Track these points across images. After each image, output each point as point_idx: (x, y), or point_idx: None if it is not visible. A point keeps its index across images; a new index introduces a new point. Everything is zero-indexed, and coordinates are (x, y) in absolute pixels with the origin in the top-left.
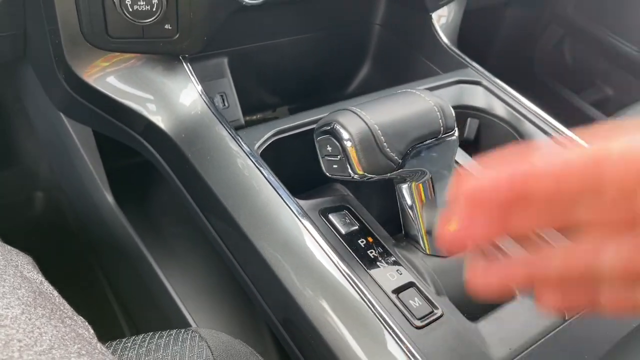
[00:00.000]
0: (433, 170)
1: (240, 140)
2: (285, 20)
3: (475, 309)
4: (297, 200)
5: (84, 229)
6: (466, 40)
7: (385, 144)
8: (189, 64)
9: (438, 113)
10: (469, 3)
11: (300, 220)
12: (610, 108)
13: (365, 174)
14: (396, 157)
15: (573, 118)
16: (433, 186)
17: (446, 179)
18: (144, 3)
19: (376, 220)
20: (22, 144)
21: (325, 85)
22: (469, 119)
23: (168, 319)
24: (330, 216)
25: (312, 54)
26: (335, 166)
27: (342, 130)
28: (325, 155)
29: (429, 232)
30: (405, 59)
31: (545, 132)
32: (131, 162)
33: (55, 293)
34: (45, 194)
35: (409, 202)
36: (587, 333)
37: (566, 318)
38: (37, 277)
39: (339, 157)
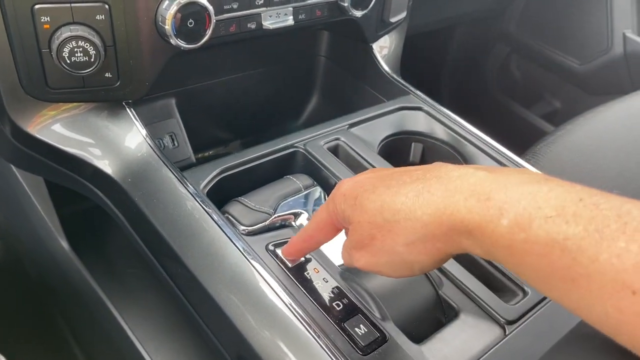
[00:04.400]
0: (306, 209)
1: (186, 181)
2: (229, 59)
3: (420, 330)
4: (244, 237)
5: (42, 276)
6: (419, 61)
7: (253, 204)
8: (132, 109)
9: (297, 182)
10: (417, 27)
11: (247, 258)
12: (559, 120)
13: (249, 225)
14: (267, 209)
15: (525, 132)
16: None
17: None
18: (82, 54)
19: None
20: None
21: (276, 118)
22: (413, 144)
23: None
24: (278, 250)
25: (260, 88)
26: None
27: (229, 215)
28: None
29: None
30: (352, 88)
31: (485, 152)
32: (85, 206)
33: None
34: (2, 242)
35: None
36: (525, 345)
37: (506, 333)
38: None
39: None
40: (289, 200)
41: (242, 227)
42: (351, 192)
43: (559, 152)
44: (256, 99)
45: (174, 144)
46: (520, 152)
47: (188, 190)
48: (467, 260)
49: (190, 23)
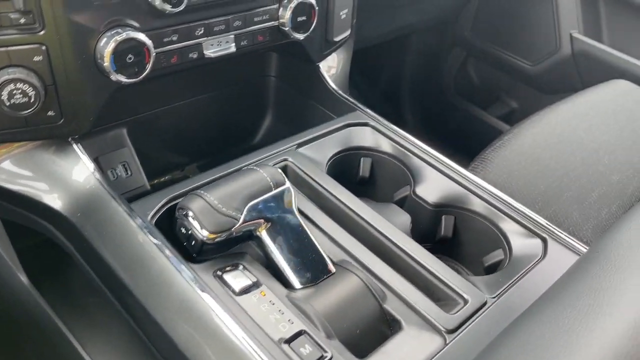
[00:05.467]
0: (274, 217)
1: (134, 213)
2: (179, 85)
3: (366, 345)
4: (191, 265)
5: (5, 312)
6: (378, 70)
7: (220, 205)
8: (79, 145)
9: (267, 176)
10: (371, 39)
11: (192, 286)
12: (516, 120)
13: (213, 234)
14: (234, 213)
15: (483, 133)
16: (278, 229)
17: (290, 220)
18: (21, 96)
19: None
20: None
21: (231, 139)
22: (361, 159)
23: None
24: (225, 276)
25: (213, 111)
26: (193, 243)
27: (186, 210)
28: (185, 239)
29: (291, 268)
30: (303, 106)
31: (429, 164)
32: (42, 238)
33: None
34: None
35: (266, 248)
36: (464, 352)
37: (447, 342)
38: None
39: (190, 231)
40: (258, 201)
41: (205, 234)
42: None
43: (506, 157)
44: (210, 122)
45: (127, 173)
46: (478, 153)
47: (135, 222)
48: (409, 272)
49: (130, 58)
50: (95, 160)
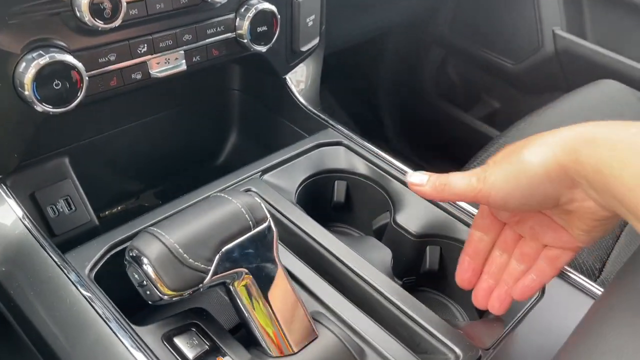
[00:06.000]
0: (252, 267)
1: (68, 266)
2: (128, 105)
3: None
4: (135, 328)
5: None
6: (354, 72)
7: (186, 255)
8: (2, 185)
9: (244, 210)
10: (344, 41)
11: (134, 356)
12: (498, 121)
13: (175, 292)
14: (203, 266)
15: (466, 136)
16: (258, 283)
17: (271, 271)
18: None
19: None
20: None
21: (192, 160)
22: (336, 182)
23: None
24: (176, 340)
25: (170, 131)
26: (148, 293)
27: (140, 256)
28: (138, 285)
29: (270, 334)
30: (269, 123)
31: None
32: None
33: None
34: None
35: (240, 306)
36: None
37: None
38: None
39: (145, 282)
40: (233, 246)
41: (164, 293)
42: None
43: None
44: (167, 144)
45: (71, 208)
46: (463, 157)
47: (69, 278)
48: (391, 322)
49: (57, 85)
50: (31, 196)
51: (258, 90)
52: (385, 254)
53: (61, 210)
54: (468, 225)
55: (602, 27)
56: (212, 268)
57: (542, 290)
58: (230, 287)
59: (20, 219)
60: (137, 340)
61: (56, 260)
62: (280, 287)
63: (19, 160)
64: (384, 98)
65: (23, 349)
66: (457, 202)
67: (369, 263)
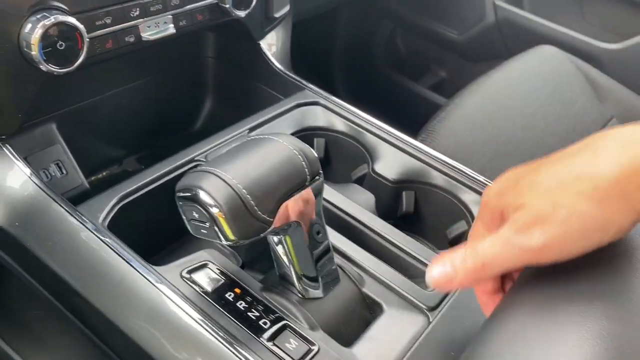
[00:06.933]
0: (304, 219)
1: (83, 216)
2: (112, 72)
3: (350, 332)
4: (155, 268)
5: None
6: (307, 46)
7: (256, 207)
8: (8, 146)
9: (301, 159)
10: (300, 13)
11: (160, 290)
12: (446, 89)
13: (239, 239)
14: (268, 218)
15: (416, 104)
16: (303, 235)
17: (317, 223)
18: None
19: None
20: None
21: (170, 127)
22: (315, 139)
23: None
24: (193, 276)
25: (149, 98)
26: (203, 231)
27: (207, 198)
28: (191, 220)
29: (304, 277)
30: (245, 88)
31: (384, 140)
32: None
33: None
34: None
35: (281, 254)
36: (449, 328)
37: (430, 320)
38: None
39: (207, 223)
40: (293, 200)
41: (229, 239)
42: (506, 185)
43: (451, 127)
44: (146, 110)
45: (62, 172)
46: (414, 125)
47: (86, 226)
48: (383, 253)
49: (60, 45)
50: (25, 160)
51: (231, 57)
52: (369, 197)
53: (53, 174)
54: (438, 170)
55: None
56: (275, 220)
57: None
58: (281, 237)
59: (29, 177)
60: (160, 277)
61: (71, 212)
62: (324, 242)
63: (20, 122)
64: (337, 69)
65: (36, 300)
66: (427, 150)
67: (356, 204)
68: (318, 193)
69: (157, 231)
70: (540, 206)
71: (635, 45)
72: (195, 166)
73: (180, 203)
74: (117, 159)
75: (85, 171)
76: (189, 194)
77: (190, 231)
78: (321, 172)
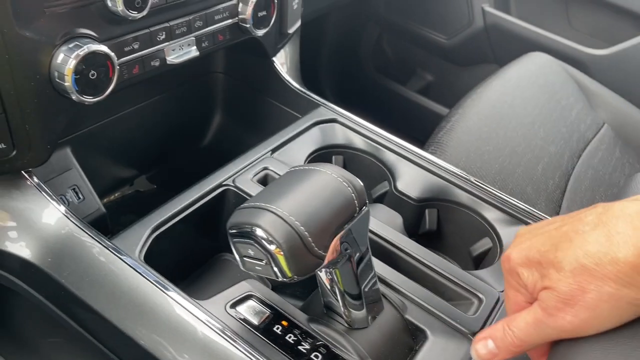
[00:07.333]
0: (353, 251)
1: (119, 251)
2: (126, 93)
3: (397, 359)
4: (200, 303)
5: None
6: (300, 51)
7: (313, 244)
8: (35, 178)
9: (350, 190)
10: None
11: (210, 326)
12: (433, 93)
13: (296, 276)
14: (323, 253)
15: (404, 107)
16: (352, 266)
17: (365, 254)
18: None
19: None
20: None
21: (178, 143)
22: (333, 157)
23: None
24: (239, 309)
25: (158, 117)
26: (258, 268)
27: (266, 235)
28: (245, 257)
29: (350, 307)
30: (257, 104)
31: (403, 157)
32: None
33: None
34: None
35: (329, 286)
36: None
37: None
38: None
39: (264, 261)
40: (345, 232)
41: (286, 277)
42: (529, 260)
43: (458, 138)
44: (156, 128)
45: (79, 198)
46: (404, 129)
47: (124, 262)
48: (419, 276)
49: (93, 75)
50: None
51: (243, 73)
52: (396, 217)
53: (71, 200)
54: (461, 188)
55: (525, 3)
56: (328, 255)
57: None
58: (328, 269)
59: (65, 215)
60: (207, 312)
61: (106, 245)
62: (369, 269)
63: (50, 153)
64: (325, 75)
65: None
66: (448, 167)
67: (388, 226)
68: (366, 223)
69: (187, 256)
70: (568, 290)
71: (621, 51)
72: (225, 191)
73: (235, 240)
74: (128, 179)
75: (98, 194)
76: (245, 231)
77: (242, 267)
78: (367, 201)
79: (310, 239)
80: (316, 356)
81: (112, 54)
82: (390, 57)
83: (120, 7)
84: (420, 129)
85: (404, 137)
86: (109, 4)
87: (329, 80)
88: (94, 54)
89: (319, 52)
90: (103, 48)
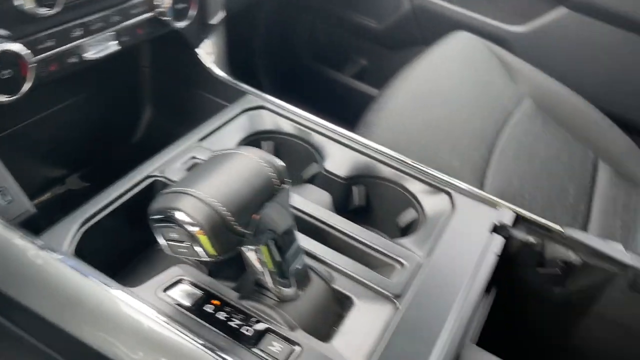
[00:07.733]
0: (277, 229)
1: (48, 247)
2: (47, 92)
3: (325, 329)
4: (131, 290)
5: None
6: (234, 42)
7: (232, 223)
8: None
9: (268, 170)
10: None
11: (142, 311)
12: (368, 77)
13: (219, 255)
14: (245, 231)
15: (341, 93)
16: (276, 242)
17: (289, 230)
18: None
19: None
20: None
21: (110, 140)
22: (262, 142)
23: None
24: (170, 293)
25: (87, 113)
26: (182, 250)
27: (186, 218)
28: (170, 241)
29: (278, 281)
30: (185, 96)
31: (330, 138)
32: None
33: None
34: None
35: (255, 264)
36: (417, 311)
37: (398, 307)
38: None
39: (186, 243)
40: (266, 210)
41: (211, 255)
42: None
43: (386, 117)
44: (85, 126)
45: (7, 199)
46: (342, 113)
47: (54, 257)
48: (346, 248)
49: (3, 75)
50: None
51: (169, 66)
52: (325, 196)
53: None
54: (386, 164)
55: None
56: (250, 232)
57: (453, 205)
58: (257, 247)
59: None
60: (139, 298)
61: (34, 243)
62: (294, 245)
63: None
64: (262, 66)
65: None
66: (374, 145)
67: (315, 204)
68: (287, 199)
69: (119, 249)
70: None
71: (539, 27)
72: (153, 182)
73: (156, 225)
74: (59, 178)
75: (28, 195)
76: (166, 216)
77: (167, 252)
78: (289, 180)
79: (230, 218)
80: (247, 330)
81: (24, 52)
82: (325, 45)
83: (27, 6)
84: (356, 113)
85: (340, 121)
86: (15, 2)
87: (266, 71)
88: (4, 53)
89: (254, 44)
90: (13, 46)
